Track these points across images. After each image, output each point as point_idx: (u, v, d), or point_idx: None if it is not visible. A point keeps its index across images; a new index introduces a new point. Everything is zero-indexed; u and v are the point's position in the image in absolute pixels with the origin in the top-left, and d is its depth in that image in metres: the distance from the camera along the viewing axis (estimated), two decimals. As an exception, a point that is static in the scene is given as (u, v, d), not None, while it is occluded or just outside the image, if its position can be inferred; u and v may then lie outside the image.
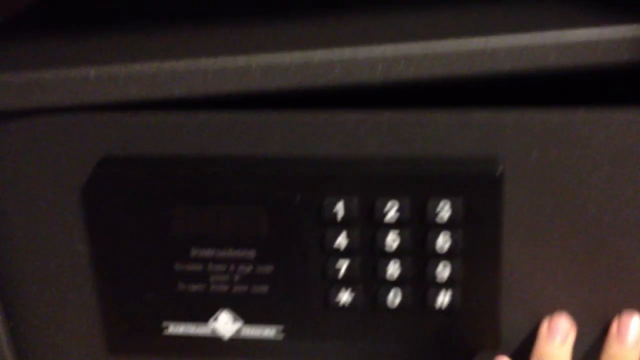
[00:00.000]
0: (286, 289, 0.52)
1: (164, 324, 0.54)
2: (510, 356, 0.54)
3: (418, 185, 0.48)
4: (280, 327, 0.53)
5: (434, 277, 0.50)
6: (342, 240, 0.49)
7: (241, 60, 0.48)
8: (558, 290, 0.52)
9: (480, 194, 0.47)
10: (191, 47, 0.51)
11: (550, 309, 0.52)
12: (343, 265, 0.50)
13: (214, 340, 0.54)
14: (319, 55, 0.47)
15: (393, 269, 0.50)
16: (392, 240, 0.49)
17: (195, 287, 0.52)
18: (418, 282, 0.50)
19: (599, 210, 0.49)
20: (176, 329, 0.54)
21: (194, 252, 0.51)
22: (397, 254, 0.49)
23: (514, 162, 0.48)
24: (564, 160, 0.48)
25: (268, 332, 0.53)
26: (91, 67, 0.49)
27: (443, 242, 0.49)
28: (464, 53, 0.46)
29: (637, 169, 0.47)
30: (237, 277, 0.52)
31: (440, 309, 0.51)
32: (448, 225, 0.48)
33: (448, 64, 0.46)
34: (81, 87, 0.49)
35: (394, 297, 0.51)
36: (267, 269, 0.51)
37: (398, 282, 0.50)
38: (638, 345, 0.50)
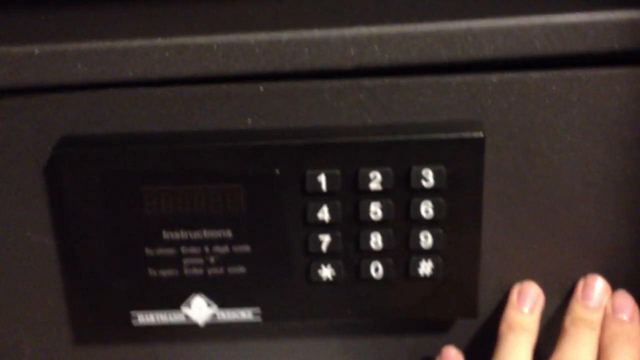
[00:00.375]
0: (264, 269, 0.50)
1: (133, 313, 0.51)
2: (485, 325, 0.55)
3: (400, 153, 0.47)
4: (257, 309, 0.51)
5: (417, 246, 0.49)
6: (324, 213, 0.48)
7: (201, 40, 0.45)
8: (533, 258, 0.52)
9: (464, 158, 0.47)
10: (148, 26, 0.48)
11: (525, 277, 0.53)
12: (325, 238, 0.49)
13: (188, 326, 0.51)
14: (287, 36, 0.45)
15: (376, 240, 0.49)
16: (376, 210, 0.48)
17: (166, 272, 0.50)
18: (401, 252, 0.49)
19: (573, 172, 0.49)
20: (146, 318, 0.51)
21: (166, 234, 0.49)
22: (381, 224, 0.48)
23: (492, 126, 0.48)
24: (540, 122, 0.48)
25: (245, 314, 0.51)
26: (36, 46, 0.45)
27: (426, 209, 0.48)
28: (442, 37, 0.45)
29: (610, 128, 0.48)
30: (212, 260, 0.49)
31: (422, 279, 0.50)
32: (431, 192, 0.48)
33: (424, 49, 0.45)
34: (25, 67, 0.45)
35: (377, 269, 0.50)
36: (244, 248, 0.49)
37: (381, 253, 0.49)
38: (601, 307, 0.51)
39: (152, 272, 0.49)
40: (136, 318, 0.51)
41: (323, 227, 0.48)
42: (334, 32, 0.45)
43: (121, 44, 0.44)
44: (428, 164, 0.47)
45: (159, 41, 0.44)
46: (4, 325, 0.54)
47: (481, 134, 0.47)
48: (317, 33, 0.45)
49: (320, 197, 0.48)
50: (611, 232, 0.51)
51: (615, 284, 0.53)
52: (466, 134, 0.47)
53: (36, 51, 0.45)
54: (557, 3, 0.47)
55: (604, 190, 0.50)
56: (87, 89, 0.46)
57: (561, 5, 0.46)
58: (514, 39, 0.45)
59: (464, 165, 0.47)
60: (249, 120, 0.48)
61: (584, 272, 0.53)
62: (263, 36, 0.44)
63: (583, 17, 0.45)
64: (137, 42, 0.44)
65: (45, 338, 0.54)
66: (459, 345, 0.54)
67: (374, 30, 0.45)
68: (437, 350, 0.55)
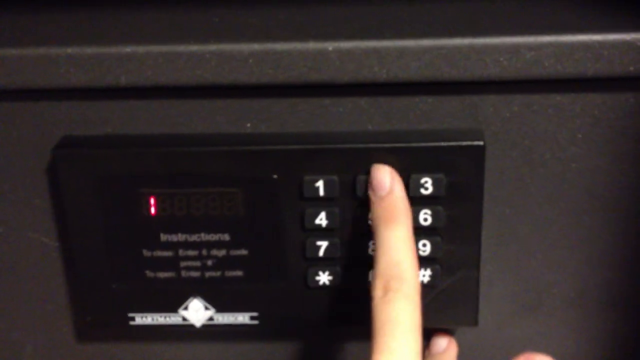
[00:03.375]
0: (262, 273, 0.50)
1: (130, 314, 0.51)
2: (485, 334, 0.54)
3: (399, 160, 0.46)
4: (255, 313, 0.51)
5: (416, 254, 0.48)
6: (322, 219, 0.48)
7: (194, 49, 0.44)
8: (535, 268, 0.51)
9: (464, 167, 0.46)
10: (144, 32, 0.47)
11: (527, 286, 0.52)
12: (323, 244, 0.48)
13: (185, 327, 0.51)
14: (281, 48, 0.44)
15: (374, 246, 0.48)
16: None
17: (164, 275, 0.50)
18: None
19: (577, 183, 0.49)
20: (143, 319, 0.51)
21: (164, 236, 0.49)
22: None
23: (493, 134, 0.48)
24: (543, 132, 0.47)
25: (242, 318, 0.51)
26: (30, 49, 0.45)
27: (425, 217, 0.47)
28: (444, 55, 0.44)
29: (615, 139, 0.47)
30: (209, 263, 0.49)
31: (421, 287, 0.49)
32: (430, 200, 0.47)
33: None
34: (22, 69, 0.45)
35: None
36: (242, 252, 0.49)
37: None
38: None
39: (149, 274, 0.50)
40: (134, 319, 0.51)
41: (321, 232, 0.48)
42: (329, 45, 0.44)
43: (112, 49, 0.44)
44: (427, 171, 0.46)
45: (151, 48, 0.44)
46: (6, 324, 0.54)
47: (481, 143, 0.46)
48: (312, 45, 0.44)
49: (318, 203, 0.47)
50: (615, 243, 0.50)
51: (618, 295, 0.52)
52: (466, 142, 0.46)
53: (31, 54, 0.45)
54: (567, 23, 0.46)
55: (608, 201, 0.49)
56: (84, 92, 0.46)
57: (571, 25, 0.45)
58: (520, 58, 0.44)
59: (464, 174, 0.47)
60: (248, 125, 0.48)
61: (586, 283, 0.52)
62: (257, 47, 0.44)
63: (596, 38, 0.43)
64: (128, 49, 0.44)
65: (46, 337, 0.55)
66: (459, 354, 0.53)
67: (372, 44, 0.44)
68: (437, 359, 0.54)
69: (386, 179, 0.45)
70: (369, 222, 0.47)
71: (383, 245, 0.44)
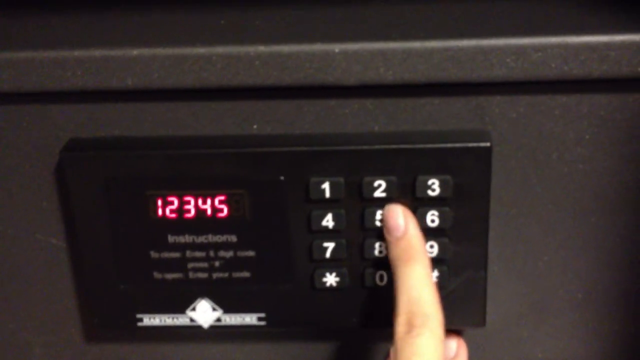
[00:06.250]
0: (269, 274, 0.50)
1: (138, 315, 0.51)
2: (493, 335, 0.54)
3: (406, 161, 0.46)
4: (262, 314, 0.51)
5: (422, 255, 0.48)
6: (329, 220, 0.48)
7: (200, 51, 0.45)
8: (542, 269, 0.51)
9: (471, 168, 0.46)
10: (151, 35, 0.47)
11: (534, 287, 0.52)
12: (330, 245, 0.48)
13: (193, 328, 0.51)
14: (287, 50, 0.44)
15: (381, 248, 0.48)
16: (381, 218, 0.48)
17: (172, 276, 0.50)
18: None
19: (583, 184, 0.49)
20: (151, 321, 0.51)
21: (171, 238, 0.49)
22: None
23: (500, 135, 0.48)
24: (549, 133, 0.47)
25: (249, 319, 0.51)
26: (39, 52, 0.45)
27: (432, 219, 0.48)
28: (450, 56, 0.44)
29: (621, 140, 0.47)
30: (216, 264, 0.49)
31: None
32: (437, 202, 0.47)
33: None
34: (30, 72, 0.45)
35: (382, 277, 0.49)
36: (249, 254, 0.49)
37: (386, 261, 0.49)
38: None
39: (157, 275, 0.50)
40: (142, 320, 0.51)
41: (327, 234, 0.48)
42: (336, 47, 0.44)
43: (119, 52, 0.44)
44: (434, 173, 0.46)
45: (157, 51, 0.44)
46: (14, 324, 0.55)
47: (488, 144, 0.46)
48: (318, 47, 0.44)
49: (325, 205, 0.47)
50: (622, 245, 0.50)
51: (625, 296, 0.52)
52: (473, 144, 0.46)
53: (38, 57, 0.45)
54: (574, 24, 0.45)
55: (615, 202, 0.49)
56: (91, 95, 0.46)
57: (578, 26, 0.45)
58: (527, 59, 0.44)
59: (470, 175, 0.47)
60: (255, 126, 0.48)
61: (593, 284, 0.52)
62: (263, 49, 0.44)
63: (602, 39, 0.43)
64: (135, 51, 0.44)
65: (54, 338, 0.55)
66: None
67: (378, 46, 0.44)
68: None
69: (400, 220, 0.46)
70: (381, 253, 0.48)
71: (404, 284, 0.45)
